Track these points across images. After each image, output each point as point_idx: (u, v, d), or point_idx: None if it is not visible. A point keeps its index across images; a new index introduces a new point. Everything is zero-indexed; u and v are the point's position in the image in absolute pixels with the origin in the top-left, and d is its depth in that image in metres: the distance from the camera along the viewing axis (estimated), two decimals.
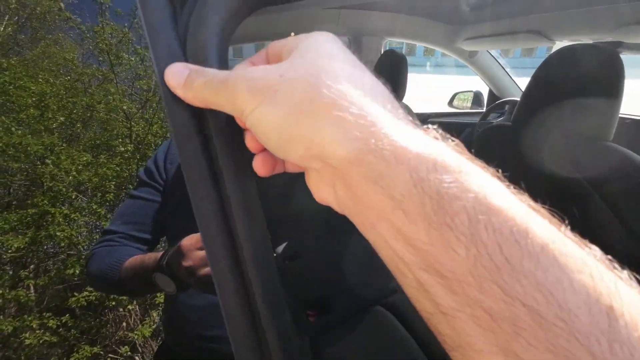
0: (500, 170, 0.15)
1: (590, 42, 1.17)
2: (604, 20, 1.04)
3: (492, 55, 1.77)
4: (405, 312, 0.95)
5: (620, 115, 1.18)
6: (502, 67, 1.79)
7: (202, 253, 0.44)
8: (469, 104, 2.20)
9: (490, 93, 2.00)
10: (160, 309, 1.88)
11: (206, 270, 0.44)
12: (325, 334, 0.92)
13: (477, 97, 2.13)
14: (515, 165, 0.79)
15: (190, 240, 0.45)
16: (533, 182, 0.75)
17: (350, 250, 1.27)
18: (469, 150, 0.16)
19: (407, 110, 1.26)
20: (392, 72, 1.28)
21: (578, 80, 0.64)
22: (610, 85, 0.61)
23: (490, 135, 0.85)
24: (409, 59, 1.35)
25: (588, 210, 0.62)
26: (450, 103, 2.28)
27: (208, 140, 0.25)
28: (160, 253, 0.52)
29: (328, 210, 0.20)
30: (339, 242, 1.36)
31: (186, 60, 0.23)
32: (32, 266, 1.82)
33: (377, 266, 1.12)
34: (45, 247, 1.78)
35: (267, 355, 0.27)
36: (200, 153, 0.24)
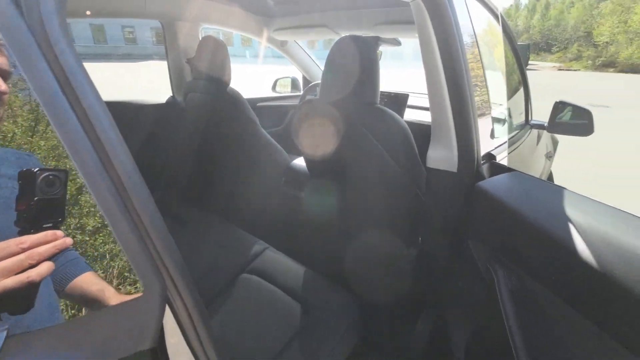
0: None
1: (361, 34, 1.58)
2: (366, 20, 1.44)
3: (300, 46, 2.07)
4: (269, 271, 1.07)
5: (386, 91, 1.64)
6: (309, 55, 2.13)
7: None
8: (289, 89, 2.50)
9: (305, 78, 2.34)
10: None
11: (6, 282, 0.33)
12: None
13: (294, 82, 2.45)
14: (319, 128, 1.03)
15: None
16: (331, 136, 1.00)
17: (204, 233, 1.29)
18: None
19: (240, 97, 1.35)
20: (213, 57, 1.33)
21: (353, 61, 0.89)
22: (373, 64, 0.90)
23: (306, 108, 1.06)
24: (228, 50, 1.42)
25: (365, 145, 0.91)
26: (274, 88, 2.53)
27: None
28: None
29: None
30: (190, 230, 1.35)
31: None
32: None
33: (233, 240, 1.19)
34: None
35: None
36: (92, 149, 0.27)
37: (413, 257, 1.07)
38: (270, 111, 2.23)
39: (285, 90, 2.49)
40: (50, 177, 0.28)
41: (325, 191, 1.28)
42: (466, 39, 0.85)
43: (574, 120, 1.45)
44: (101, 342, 0.29)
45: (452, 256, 0.91)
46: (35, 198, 0.28)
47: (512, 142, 1.29)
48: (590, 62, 22.60)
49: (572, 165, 4.14)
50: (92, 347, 0.28)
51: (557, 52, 29.95)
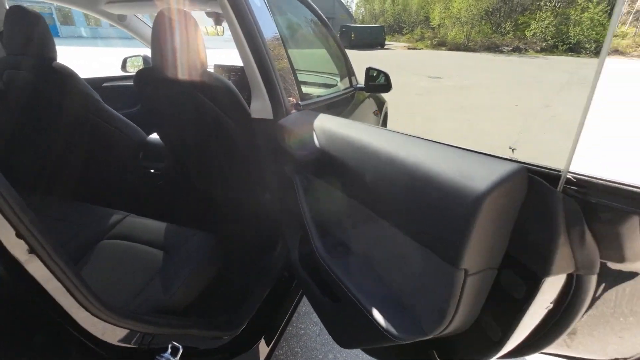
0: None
1: (198, 9, 1.68)
2: None
3: (142, 20, 2.01)
4: (131, 233, 1.13)
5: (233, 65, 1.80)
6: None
7: None
8: (142, 66, 2.39)
9: None
10: None
11: None
12: None
13: (146, 60, 2.35)
14: (165, 89, 1.13)
15: None
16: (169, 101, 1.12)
17: (57, 217, 1.24)
18: None
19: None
20: (28, 29, 1.23)
21: (175, 30, 1.01)
22: (192, 32, 1.03)
23: (140, 77, 1.14)
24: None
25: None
26: (124, 68, 2.37)
27: None
28: None
29: None
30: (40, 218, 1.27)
31: None
32: None
33: (89, 216, 1.20)
34: None
35: None
36: None
37: (266, 201, 1.30)
38: (121, 92, 2.11)
39: (136, 69, 2.37)
40: None
41: (181, 157, 1.38)
42: (269, 23, 1.07)
43: (379, 81, 1.90)
44: None
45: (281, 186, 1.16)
46: None
47: (336, 100, 1.62)
48: (429, 42, 27.29)
49: (410, 118, 5.14)
50: None
51: (407, 33, 34.96)
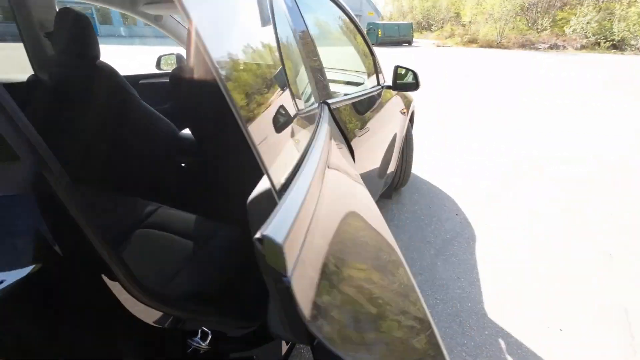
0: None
1: None
2: None
3: (177, 20, 2.09)
4: (165, 223, 1.19)
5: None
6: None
7: None
8: (175, 65, 2.49)
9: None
10: None
11: None
12: None
13: (179, 58, 2.45)
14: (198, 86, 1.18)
15: None
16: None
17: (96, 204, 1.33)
18: None
19: None
20: (75, 30, 1.32)
21: None
22: None
23: (177, 73, 1.19)
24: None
25: None
26: (158, 65, 2.49)
27: None
28: None
29: None
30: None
31: None
32: None
33: (125, 206, 1.28)
34: None
35: None
36: None
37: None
38: (155, 88, 2.22)
39: (170, 67, 2.47)
40: None
41: (211, 153, 1.44)
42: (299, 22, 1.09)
43: (407, 80, 1.88)
44: None
45: None
46: None
47: (362, 99, 1.62)
48: (459, 39, 26.42)
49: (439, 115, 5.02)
50: None
51: (436, 30, 33.99)
